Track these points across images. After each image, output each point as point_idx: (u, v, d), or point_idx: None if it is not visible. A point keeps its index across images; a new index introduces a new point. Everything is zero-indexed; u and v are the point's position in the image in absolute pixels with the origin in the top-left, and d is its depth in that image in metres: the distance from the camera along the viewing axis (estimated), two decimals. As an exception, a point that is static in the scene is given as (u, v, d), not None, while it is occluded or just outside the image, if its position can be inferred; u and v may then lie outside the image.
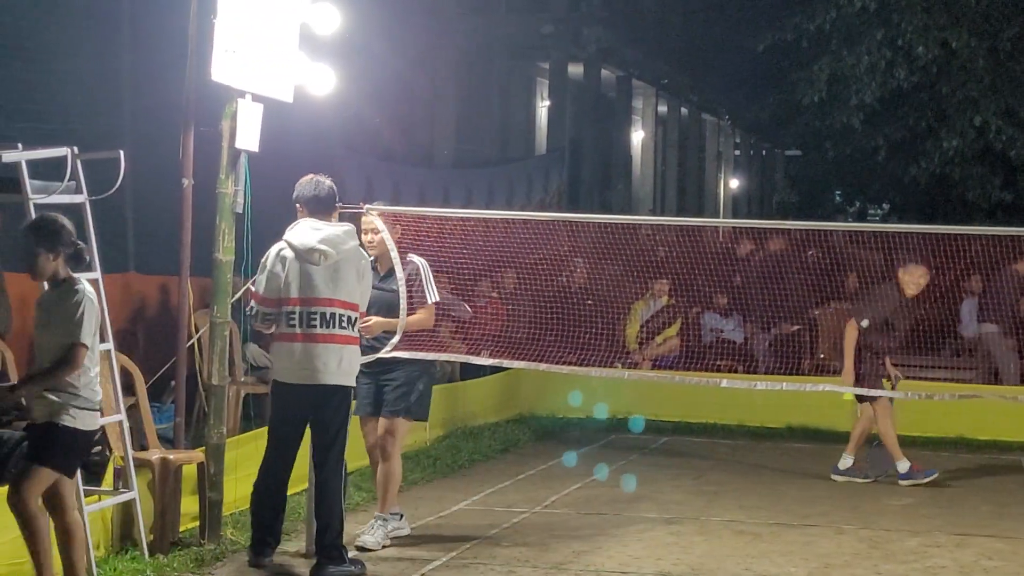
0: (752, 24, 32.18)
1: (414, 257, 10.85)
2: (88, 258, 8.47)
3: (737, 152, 59.10)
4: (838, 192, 40.47)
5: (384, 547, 10.55)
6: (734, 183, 57.99)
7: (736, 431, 17.17)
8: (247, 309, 10.03)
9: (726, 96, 46.90)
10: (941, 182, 27.23)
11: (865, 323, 13.78)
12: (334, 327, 9.76)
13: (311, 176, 10.10)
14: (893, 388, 13.98)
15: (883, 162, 29.87)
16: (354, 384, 9.97)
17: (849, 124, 25.74)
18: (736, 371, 17.61)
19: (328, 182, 10.08)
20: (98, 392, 8.46)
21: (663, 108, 46.93)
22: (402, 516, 10.90)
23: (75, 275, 8.39)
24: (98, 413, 8.50)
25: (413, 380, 10.76)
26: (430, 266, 10.96)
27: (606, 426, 17.30)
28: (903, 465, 13.96)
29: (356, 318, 9.88)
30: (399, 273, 10.66)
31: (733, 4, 42.90)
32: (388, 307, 10.68)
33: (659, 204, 46.67)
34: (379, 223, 10.70)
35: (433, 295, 10.79)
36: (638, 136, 46.27)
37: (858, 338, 13.78)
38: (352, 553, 10.25)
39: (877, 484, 13.96)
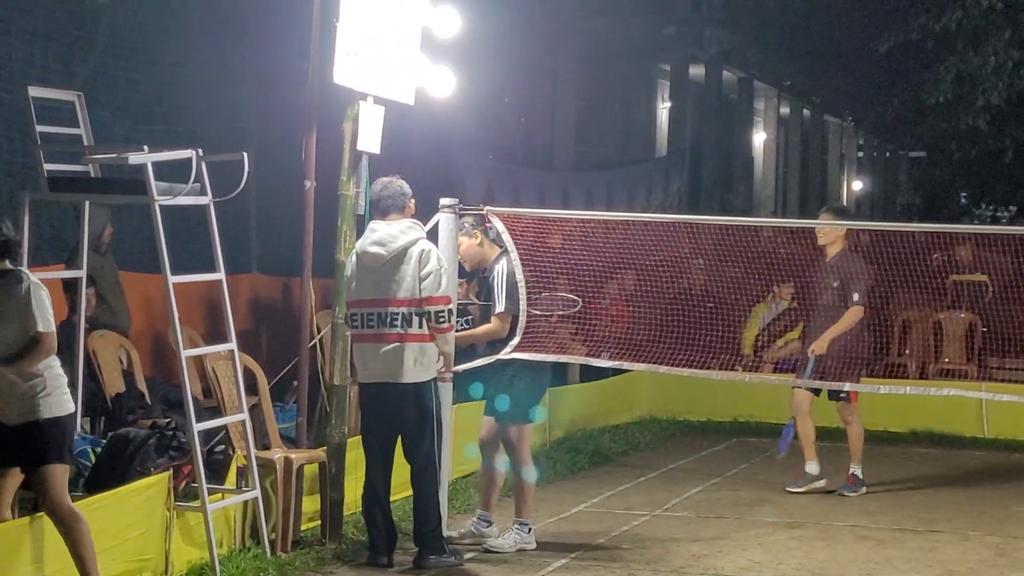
0: (876, 25, 31.81)
1: (497, 261, 10.77)
2: (20, 252, 8.36)
3: (860, 154, 58.51)
4: (963, 194, 39.98)
5: (516, 551, 10.57)
6: (857, 185, 57.41)
7: (859, 435, 16.95)
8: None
9: (849, 97, 46.45)
10: (1070, 184, 26.82)
11: None
12: (390, 326, 9.82)
13: (383, 178, 10.15)
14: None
15: (1010, 164, 29.44)
16: (425, 379, 9.92)
17: (975, 125, 25.36)
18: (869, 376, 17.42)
19: (397, 183, 10.08)
20: (62, 374, 8.30)
21: (785, 110, 46.61)
22: (530, 529, 10.82)
23: (14, 267, 8.21)
24: (68, 393, 8.32)
25: (508, 383, 10.72)
26: (552, 267, 10.93)
27: (729, 429, 17.20)
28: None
29: (414, 313, 9.81)
30: (519, 275, 10.66)
31: (857, 5, 42.47)
32: (461, 313, 10.77)
33: (780, 206, 46.33)
34: (499, 225, 10.72)
35: (501, 304, 10.66)
36: (760, 138, 45.98)
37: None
38: (471, 555, 10.33)
39: (1003, 490, 13.73)
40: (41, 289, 8.15)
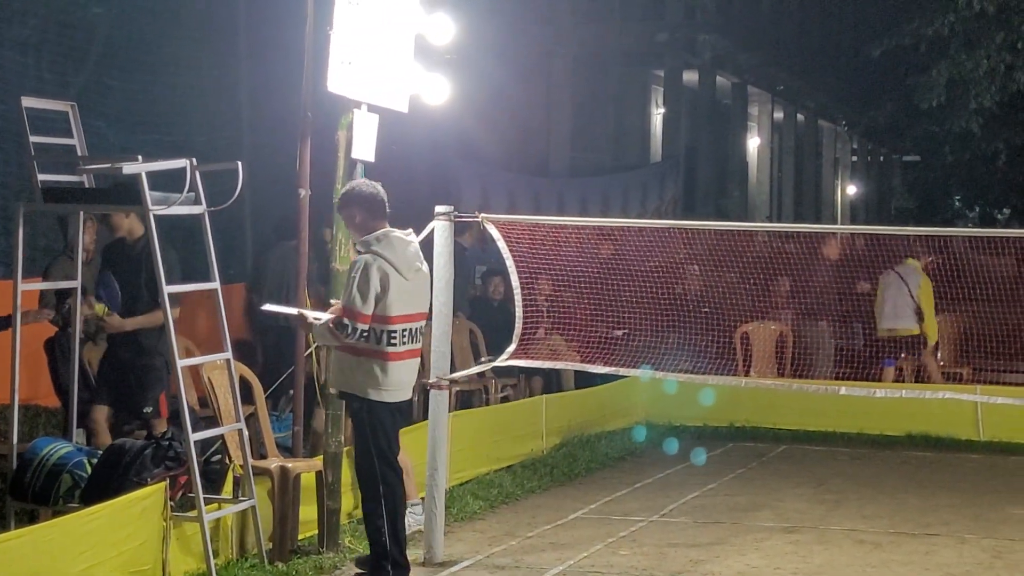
0: (868, 29, 31.94)
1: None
2: None
3: (854, 158, 58.63)
4: (957, 197, 40.02)
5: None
6: (851, 189, 57.54)
7: (856, 439, 16.97)
8: (346, 327, 9.29)
9: (843, 102, 46.53)
10: (1063, 186, 26.93)
11: None
12: (420, 339, 9.73)
13: (374, 183, 9.70)
14: None
15: (1003, 166, 29.50)
16: None
17: (968, 128, 25.41)
18: (855, 378, 17.42)
19: (382, 188, 9.71)
20: None
21: (779, 114, 46.67)
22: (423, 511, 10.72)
23: None
24: None
25: None
26: (547, 275, 10.91)
27: (725, 434, 17.18)
28: None
29: None
30: (513, 282, 10.65)
31: (849, 10, 42.55)
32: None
33: (776, 211, 46.42)
34: (495, 232, 10.70)
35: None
36: (754, 143, 46.06)
37: None
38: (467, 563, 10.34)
39: (999, 493, 13.72)
40: None
